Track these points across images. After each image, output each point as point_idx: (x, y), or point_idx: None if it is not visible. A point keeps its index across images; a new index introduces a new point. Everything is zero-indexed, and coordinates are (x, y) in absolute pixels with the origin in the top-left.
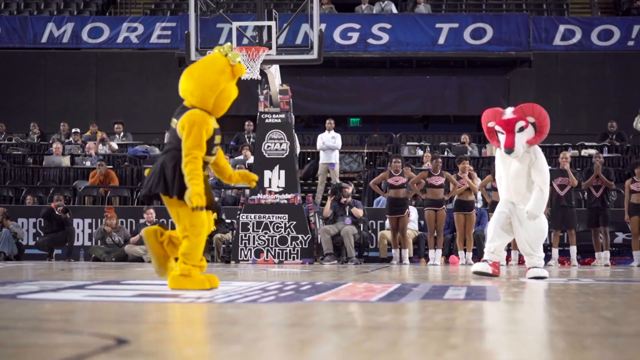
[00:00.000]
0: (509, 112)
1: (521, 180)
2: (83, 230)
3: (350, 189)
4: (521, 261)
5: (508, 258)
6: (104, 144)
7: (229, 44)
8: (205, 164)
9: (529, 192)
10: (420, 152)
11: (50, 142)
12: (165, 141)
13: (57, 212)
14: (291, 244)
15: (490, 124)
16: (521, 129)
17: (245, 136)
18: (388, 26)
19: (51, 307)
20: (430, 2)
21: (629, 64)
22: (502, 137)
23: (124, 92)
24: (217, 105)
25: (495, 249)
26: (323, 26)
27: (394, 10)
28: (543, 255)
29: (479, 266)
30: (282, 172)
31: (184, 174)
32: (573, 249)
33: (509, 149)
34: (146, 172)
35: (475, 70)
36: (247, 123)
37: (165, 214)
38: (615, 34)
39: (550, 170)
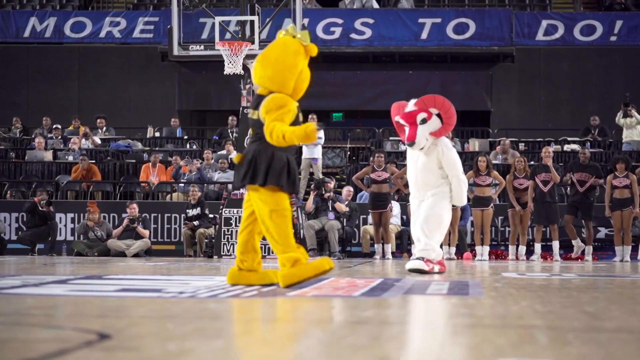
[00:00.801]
0: (411, 105)
1: (430, 173)
2: (65, 225)
3: (332, 183)
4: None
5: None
6: (87, 139)
7: (292, 25)
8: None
9: (438, 185)
10: (403, 147)
11: (33, 136)
12: (248, 137)
13: (40, 207)
14: None
15: (396, 118)
16: (423, 121)
17: (228, 131)
18: (371, 21)
19: (33, 302)
20: None
21: (611, 59)
22: (406, 131)
23: (106, 86)
24: (297, 88)
25: (434, 248)
26: (306, 21)
27: (376, 6)
28: (436, 246)
29: (415, 264)
30: None
31: (278, 139)
32: (556, 244)
33: (411, 142)
34: (236, 158)
35: (458, 65)
36: (230, 118)
37: (146, 209)
38: (597, 29)
39: (533, 165)
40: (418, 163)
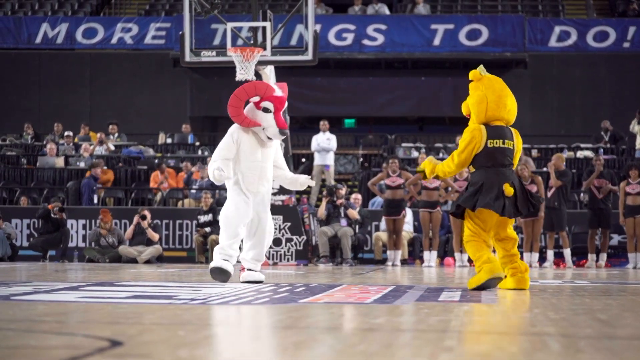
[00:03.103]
0: (278, 90)
1: (269, 164)
2: (77, 232)
3: (344, 190)
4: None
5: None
6: (101, 145)
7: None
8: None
9: (270, 180)
10: (415, 154)
11: (44, 142)
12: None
13: (53, 214)
14: (285, 246)
15: (255, 99)
16: (284, 111)
17: None
18: (383, 27)
19: (45, 309)
20: (426, 3)
21: (624, 66)
22: (268, 116)
23: (118, 92)
24: None
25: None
26: (318, 27)
27: (387, 13)
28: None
29: (250, 275)
30: None
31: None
32: (567, 251)
33: (286, 130)
34: (508, 191)
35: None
36: None
37: (157, 215)
38: (610, 36)
39: (539, 172)
40: (263, 154)
